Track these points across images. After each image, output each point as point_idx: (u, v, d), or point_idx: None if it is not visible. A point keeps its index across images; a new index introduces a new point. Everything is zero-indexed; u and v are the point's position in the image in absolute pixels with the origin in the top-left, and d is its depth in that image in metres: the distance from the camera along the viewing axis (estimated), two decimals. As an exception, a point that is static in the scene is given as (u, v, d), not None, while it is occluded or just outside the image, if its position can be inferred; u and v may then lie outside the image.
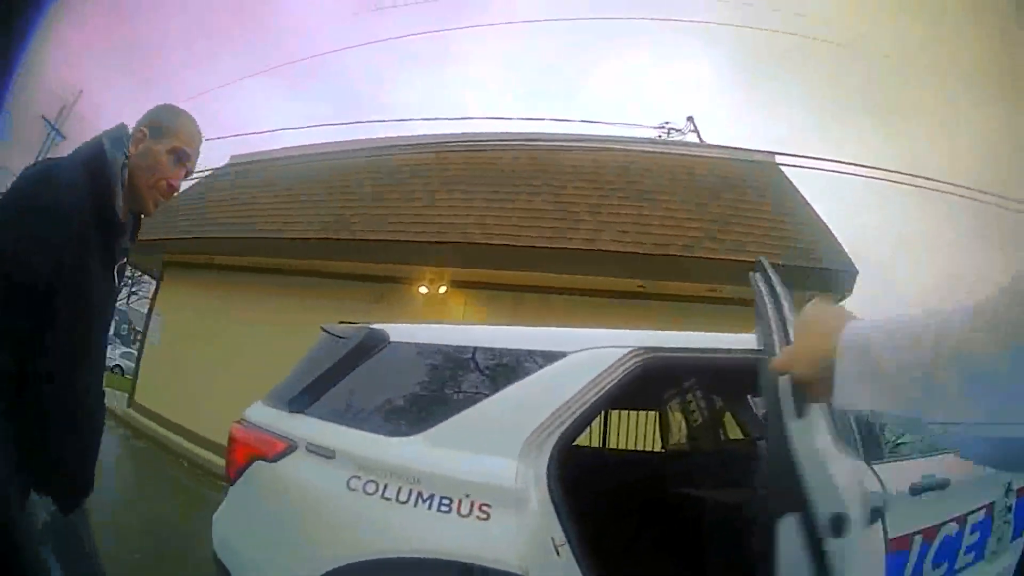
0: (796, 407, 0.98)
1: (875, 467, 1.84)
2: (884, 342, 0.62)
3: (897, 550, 1.74)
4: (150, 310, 10.33)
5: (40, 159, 1.47)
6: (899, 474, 1.88)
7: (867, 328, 0.65)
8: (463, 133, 8.51)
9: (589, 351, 1.86)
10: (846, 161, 7.40)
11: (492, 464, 1.68)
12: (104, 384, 1.53)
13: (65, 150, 1.50)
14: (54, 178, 1.34)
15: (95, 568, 1.33)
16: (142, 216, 1.55)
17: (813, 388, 0.73)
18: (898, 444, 2.15)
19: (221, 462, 6.44)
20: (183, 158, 1.49)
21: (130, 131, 1.48)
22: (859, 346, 0.64)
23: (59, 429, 1.28)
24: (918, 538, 1.79)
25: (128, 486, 6.27)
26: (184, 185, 1.56)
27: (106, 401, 1.53)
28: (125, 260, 1.51)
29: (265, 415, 2.04)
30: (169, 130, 1.49)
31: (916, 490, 1.85)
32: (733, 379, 2.13)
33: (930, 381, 0.56)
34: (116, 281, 1.47)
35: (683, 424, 3.61)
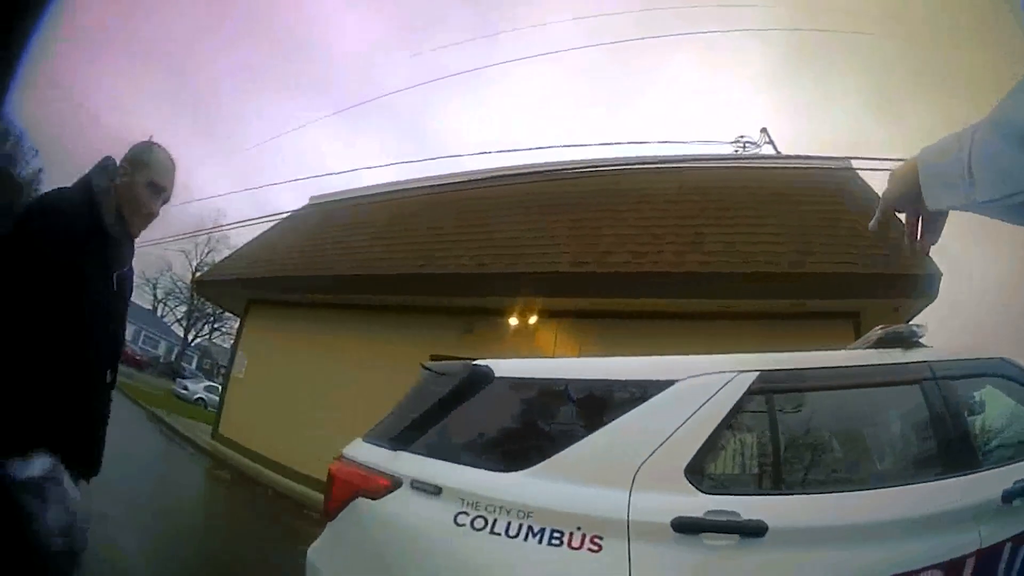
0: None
1: (968, 476, 1.75)
2: (935, 151, 0.84)
3: (991, 556, 1.62)
4: (235, 346, 10.86)
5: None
6: (991, 482, 1.75)
7: (927, 148, 0.86)
8: (539, 163, 8.51)
9: (697, 378, 1.81)
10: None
11: (604, 496, 1.64)
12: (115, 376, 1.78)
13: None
14: (53, 203, 1.61)
15: (72, 523, 1.48)
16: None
17: (914, 203, 0.91)
18: (987, 452, 2.02)
19: (306, 492, 6.63)
20: (158, 190, 1.74)
21: (117, 163, 1.73)
22: (926, 159, 0.86)
23: (62, 402, 1.50)
24: (1008, 545, 1.66)
25: (212, 515, 6.54)
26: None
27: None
28: (125, 268, 1.76)
29: (366, 452, 2.05)
30: (144, 165, 1.72)
31: (1008, 496, 1.72)
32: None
33: (969, 169, 0.75)
34: (116, 285, 1.71)
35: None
